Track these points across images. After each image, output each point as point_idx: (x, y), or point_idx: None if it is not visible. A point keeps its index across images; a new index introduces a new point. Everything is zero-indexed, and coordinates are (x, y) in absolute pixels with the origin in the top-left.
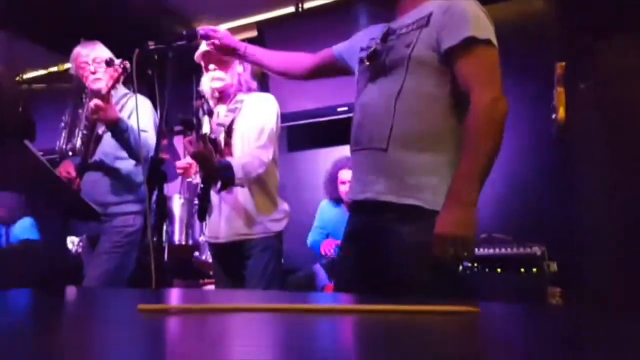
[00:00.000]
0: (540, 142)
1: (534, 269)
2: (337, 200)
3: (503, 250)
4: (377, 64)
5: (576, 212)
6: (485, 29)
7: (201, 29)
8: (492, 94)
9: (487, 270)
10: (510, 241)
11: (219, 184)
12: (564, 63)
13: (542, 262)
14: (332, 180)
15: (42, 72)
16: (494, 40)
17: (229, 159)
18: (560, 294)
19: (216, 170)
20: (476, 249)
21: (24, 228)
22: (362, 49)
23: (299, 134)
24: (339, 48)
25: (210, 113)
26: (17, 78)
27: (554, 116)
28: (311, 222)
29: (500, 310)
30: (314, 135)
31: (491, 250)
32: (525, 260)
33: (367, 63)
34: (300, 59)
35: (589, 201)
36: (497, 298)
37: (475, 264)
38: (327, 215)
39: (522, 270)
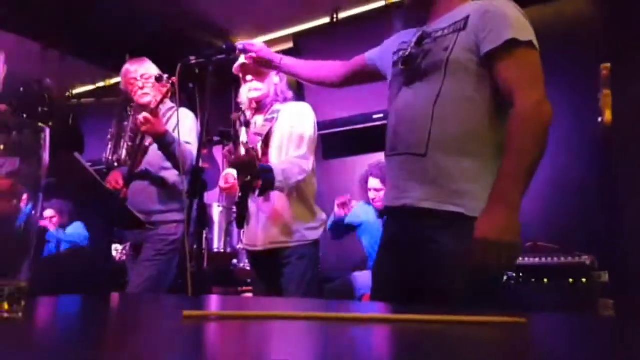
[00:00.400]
0: (585, 146)
1: (584, 279)
2: (368, 202)
3: (549, 259)
4: (413, 68)
5: (625, 219)
6: (526, 31)
7: (239, 43)
8: (536, 96)
9: (533, 280)
10: (557, 250)
11: (257, 191)
12: (609, 64)
13: (592, 271)
14: (363, 185)
15: (90, 87)
16: (535, 42)
17: (269, 163)
18: (612, 306)
19: (257, 172)
20: (521, 258)
21: (75, 232)
22: (394, 53)
23: (335, 142)
24: (370, 54)
25: (247, 124)
26: (67, 93)
27: (600, 119)
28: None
29: (549, 321)
30: (350, 142)
31: (537, 259)
32: (573, 270)
33: (402, 67)
34: (333, 68)
35: (638, 207)
36: (545, 309)
37: (521, 274)
38: (361, 213)
39: (571, 280)
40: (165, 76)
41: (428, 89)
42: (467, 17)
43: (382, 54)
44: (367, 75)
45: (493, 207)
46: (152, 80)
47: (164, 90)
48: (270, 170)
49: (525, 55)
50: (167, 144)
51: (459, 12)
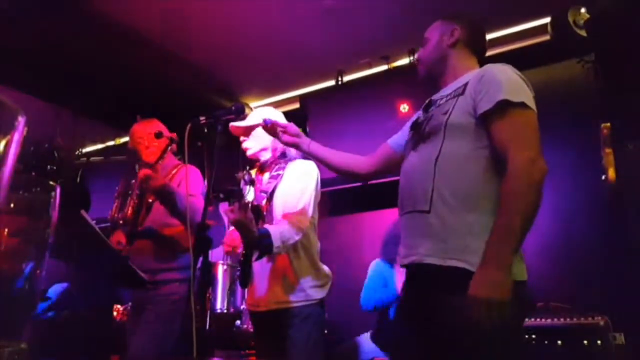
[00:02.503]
0: (592, 204)
1: (599, 341)
2: (391, 261)
3: (562, 320)
4: (419, 133)
5: (637, 277)
6: (519, 92)
7: (268, 119)
8: (528, 154)
9: (546, 342)
10: (570, 310)
11: (256, 254)
12: (609, 124)
13: (607, 333)
14: (390, 241)
15: (100, 146)
16: (530, 103)
17: (267, 226)
18: None
19: (255, 238)
20: (534, 319)
21: (56, 292)
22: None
23: (341, 199)
24: (393, 140)
25: (252, 183)
26: (77, 152)
27: (603, 177)
28: (355, 288)
29: None
30: (356, 199)
31: (549, 320)
32: (587, 331)
33: (411, 132)
34: (361, 160)
35: None
36: None
37: (534, 335)
38: (380, 271)
39: (585, 342)
40: (166, 133)
41: (430, 150)
42: (467, 83)
43: (403, 136)
44: (396, 160)
45: (485, 266)
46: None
47: (163, 145)
48: (267, 236)
49: (518, 116)
50: (166, 196)
51: (461, 80)
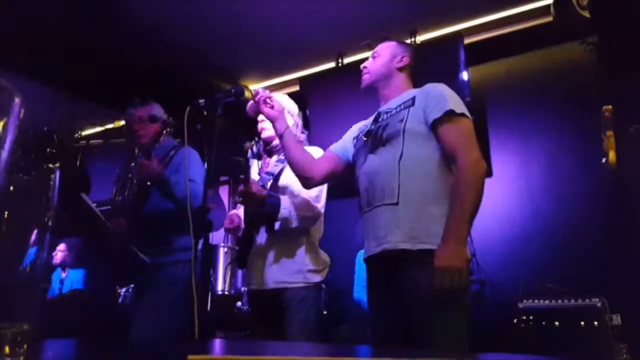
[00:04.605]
0: (592, 187)
1: (595, 322)
2: None
3: (560, 302)
4: (375, 139)
5: (635, 260)
6: (460, 105)
7: (262, 94)
8: (473, 155)
9: (544, 323)
10: (567, 292)
11: (261, 229)
12: (610, 107)
13: (604, 314)
14: None
15: (99, 128)
16: (468, 114)
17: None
18: (627, 350)
19: (264, 198)
20: (532, 300)
21: (78, 278)
22: (354, 138)
23: (339, 182)
24: (336, 147)
25: (259, 157)
26: (76, 135)
27: (604, 160)
28: (353, 271)
29: None
30: (354, 183)
31: (547, 302)
32: (585, 312)
33: (365, 139)
34: (315, 163)
35: None
36: (556, 353)
37: (532, 317)
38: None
39: (582, 323)
40: (160, 116)
41: (391, 152)
42: (414, 97)
43: (345, 144)
44: (341, 167)
45: (446, 242)
46: (148, 121)
47: (158, 129)
48: (277, 197)
49: (462, 123)
50: (160, 184)
51: (405, 95)
